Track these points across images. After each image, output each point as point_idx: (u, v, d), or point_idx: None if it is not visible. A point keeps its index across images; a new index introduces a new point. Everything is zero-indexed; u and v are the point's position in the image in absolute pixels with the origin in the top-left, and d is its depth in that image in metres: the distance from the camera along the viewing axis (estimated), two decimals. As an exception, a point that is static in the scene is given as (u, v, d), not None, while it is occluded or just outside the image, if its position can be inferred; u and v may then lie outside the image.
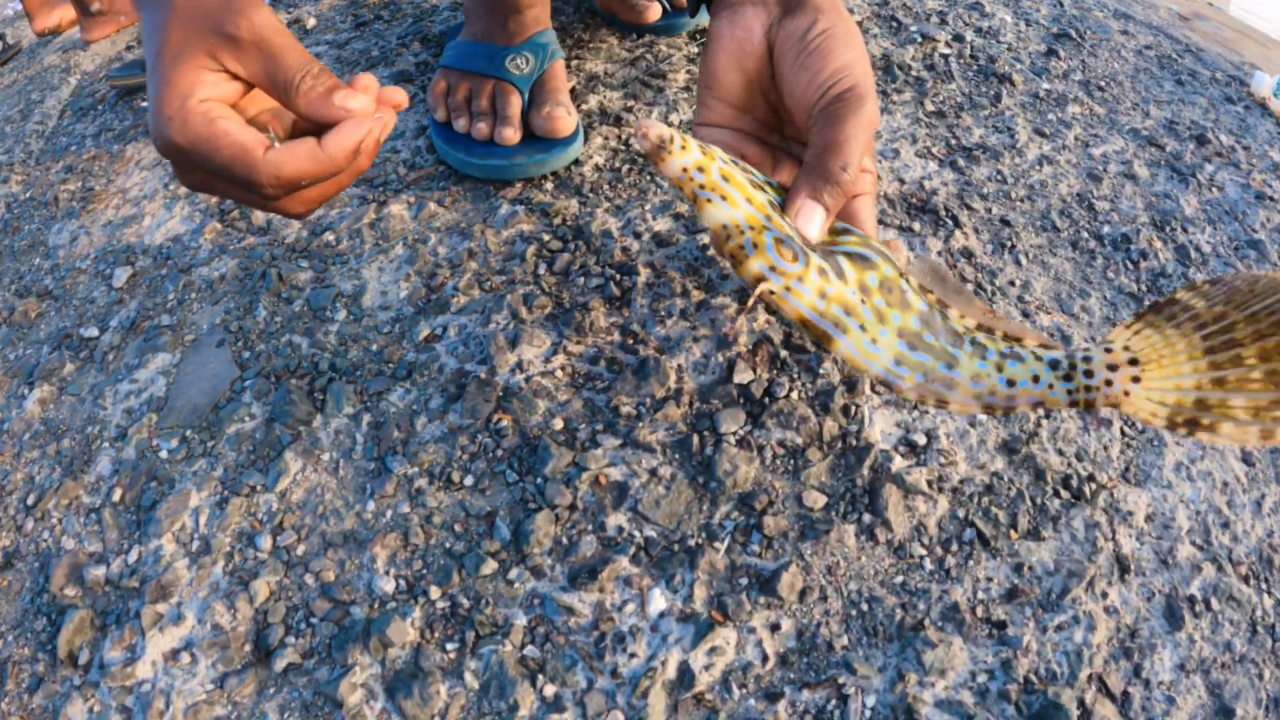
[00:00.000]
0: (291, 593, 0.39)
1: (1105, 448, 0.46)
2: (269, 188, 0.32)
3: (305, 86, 0.32)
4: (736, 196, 0.32)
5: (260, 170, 0.31)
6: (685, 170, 0.32)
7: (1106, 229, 0.59)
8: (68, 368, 0.53)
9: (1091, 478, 0.44)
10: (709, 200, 0.31)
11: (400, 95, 0.35)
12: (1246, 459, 0.47)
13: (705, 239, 0.52)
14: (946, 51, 0.72)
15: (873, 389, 0.45)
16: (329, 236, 0.54)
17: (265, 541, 0.41)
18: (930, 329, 0.33)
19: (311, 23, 0.94)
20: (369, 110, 0.33)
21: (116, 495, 0.45)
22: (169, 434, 0.47)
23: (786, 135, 0.41)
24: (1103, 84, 0.73)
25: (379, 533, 0.40)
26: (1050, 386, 0.32)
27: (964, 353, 0.32)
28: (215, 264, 0.56)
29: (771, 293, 0.31)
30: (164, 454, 0.46)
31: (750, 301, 0.32)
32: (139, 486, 0.45)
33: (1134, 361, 0.32)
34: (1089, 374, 0.32)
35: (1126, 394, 0.32)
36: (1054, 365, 0.32)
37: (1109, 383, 0.32)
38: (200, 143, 0.30)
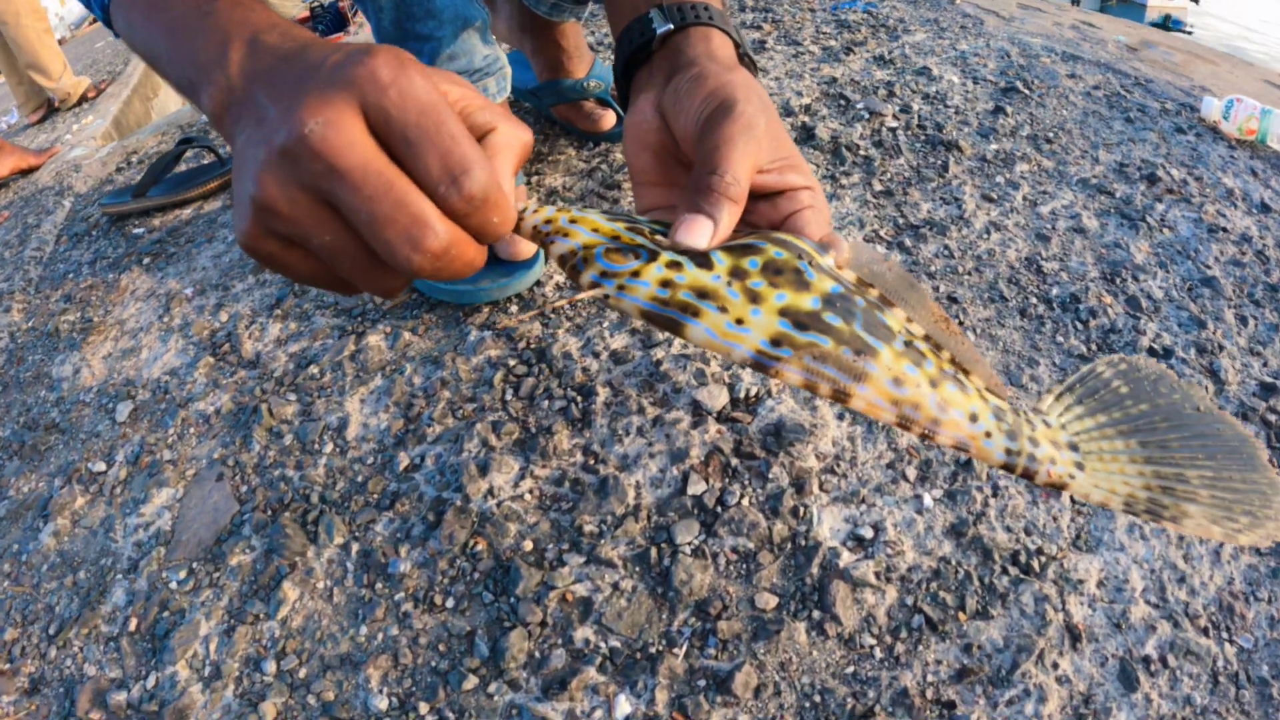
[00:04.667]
0: (296, 713, 0.47)
1: (1055, 518, 0.52)
2: (477, 186, 0.28)
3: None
4: (580, 230, 0.35)
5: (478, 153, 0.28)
6: (535, 228, 0.35)
7: (1055, 290, 0.66)
8: (79, 501, 0.62)
9: (1040, 551, 0.50)
10: (554, 242, 0.35)
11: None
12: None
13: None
14: (894, 125, 0.79)
15: (821, 487, 0.52)
16: (313, 369, 0.63)
17: (270, 666, 0.49)
18: (839, 313, 0.32)
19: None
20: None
21: (132, 625, 0.53)
22: (177, 566, 0.55)
23: None
24: (1051, 135, 0.80)
25: (372, 654, 0.48)
26: (987, 435, 0.31)
27: (888, 348, 0.31)
28: (210, 398, 0.65)
29: (607, 297, 0.33)
30: (173, 585, 0.54)
31: (584, 295, 0.35)
32: (152, 616, 0.53)
33: (1074, 447, 0.33)
34: (1034, 442, 0.32)
35: (1072, 477, 0.32)
36: (999, 415, 0.32)
37: (1053, 460, 0.32)
38: (437, 92, 0.28)
